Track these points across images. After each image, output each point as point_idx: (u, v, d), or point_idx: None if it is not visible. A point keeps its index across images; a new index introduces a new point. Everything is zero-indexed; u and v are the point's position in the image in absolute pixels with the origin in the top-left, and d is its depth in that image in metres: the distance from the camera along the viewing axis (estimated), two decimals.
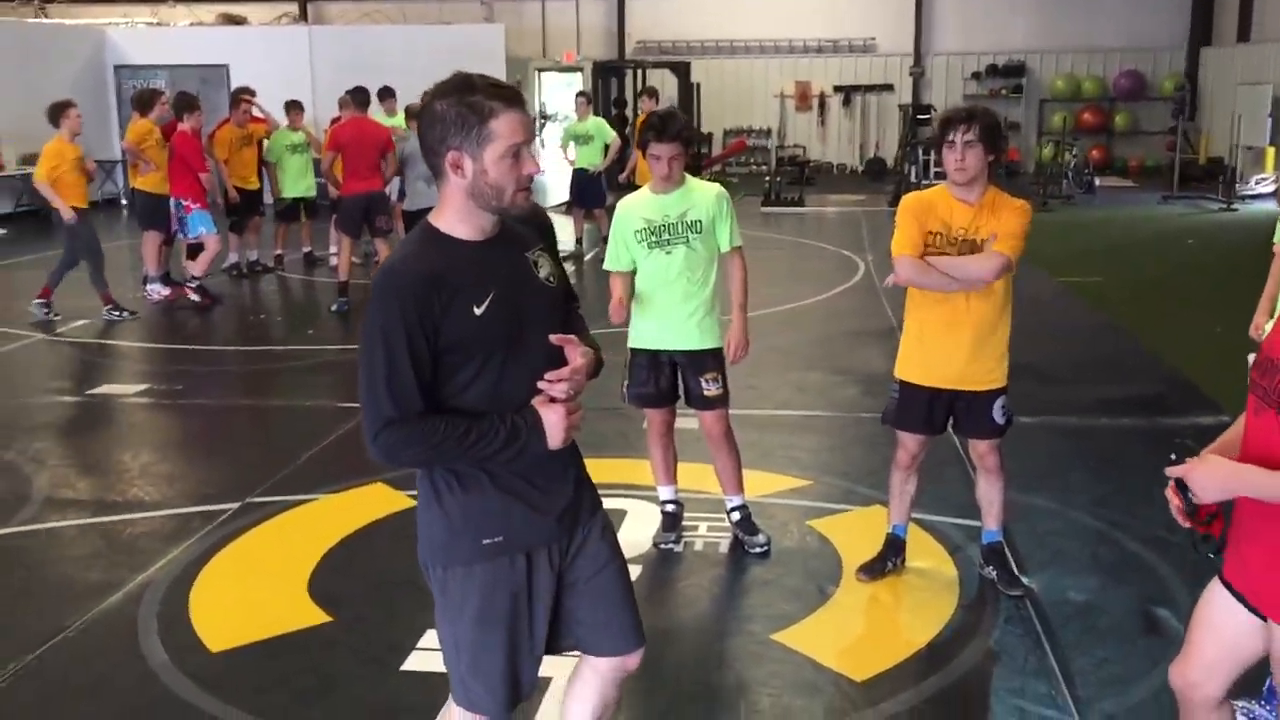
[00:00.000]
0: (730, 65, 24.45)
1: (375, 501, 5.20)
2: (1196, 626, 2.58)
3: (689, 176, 4.54)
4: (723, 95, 23.77)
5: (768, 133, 24.91)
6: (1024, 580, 4.35)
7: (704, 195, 4.51)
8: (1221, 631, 2.50)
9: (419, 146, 2.36)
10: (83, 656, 3.93)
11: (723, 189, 4.60)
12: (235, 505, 5.24)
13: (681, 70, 18.55)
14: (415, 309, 2.23)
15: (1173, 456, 2.37)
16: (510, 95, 2.29)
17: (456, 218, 2.34)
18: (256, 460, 6.05)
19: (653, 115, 4.57)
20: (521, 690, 2.50)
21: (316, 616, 4.17)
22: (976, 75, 23.91)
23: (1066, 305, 9.97)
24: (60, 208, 9.09)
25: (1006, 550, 4.45)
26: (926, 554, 4.66)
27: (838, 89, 24.30)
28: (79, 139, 9.20)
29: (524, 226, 2.50)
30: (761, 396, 6.97)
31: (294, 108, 11.98)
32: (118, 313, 9.54)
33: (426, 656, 3.78)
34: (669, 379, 4.63)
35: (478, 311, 2.29)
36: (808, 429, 6.44)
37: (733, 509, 4.78)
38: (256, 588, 4.48)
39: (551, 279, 2.47)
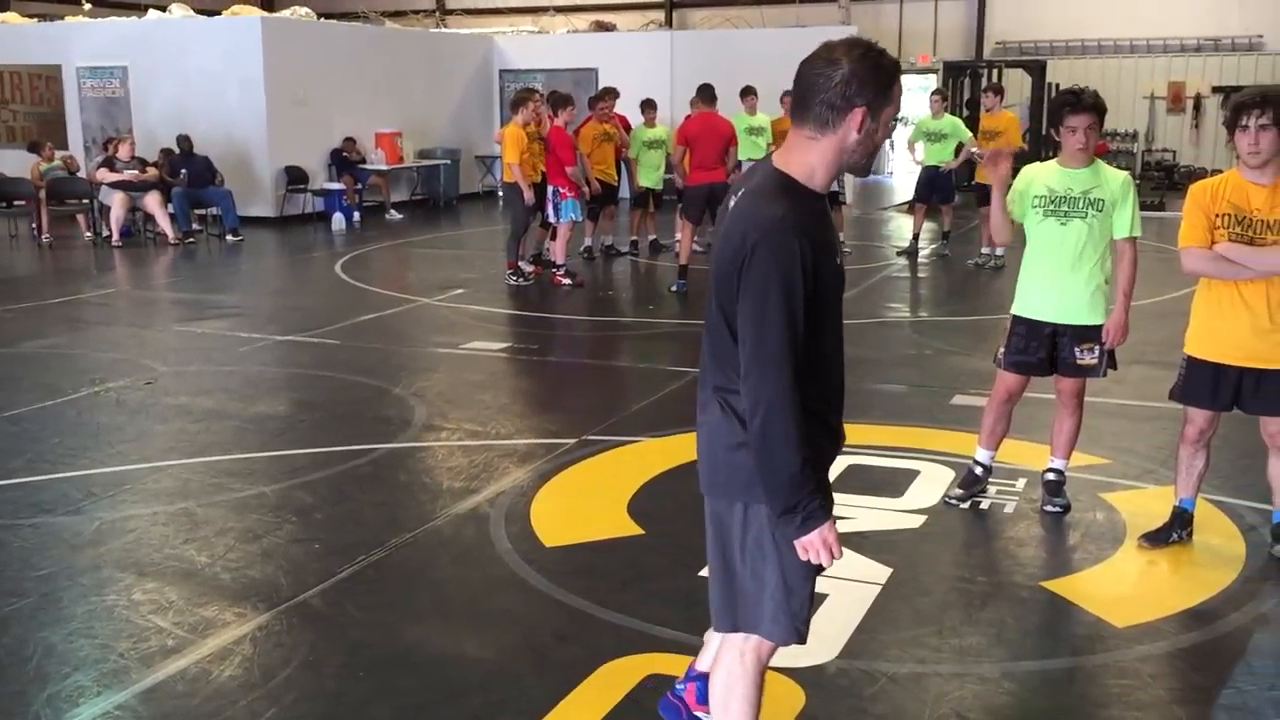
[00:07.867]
0: (1095, 65, 23.44)
1: (694, 446, 5.80)
2: None
3: (1098, 159, 4.68)
4: None
5: (1133, 136, 23.75)
6: None
7: (1112, 177, 4.65)
8: None
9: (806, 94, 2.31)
10: (446, 539, 4.81)
11: (1130, 176, 4.71)
12: (573, 441, 6.04)
13: (1036, 70, 18.15)
14: (811, 254, 2.30)
15: None
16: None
17: (818, 171, 2.40)
18: (594, 407, 6.91)
19: (1064, 91, 4.75)
20: None
21: (631, 529, 4.84)
22: None
23: None
24: (522, 184, 10.52)
25: None
26: (1217, 531, 4.71)
27: (1216, 89, 22.74)
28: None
29: None
30: None
31: (648, 106, 12.92)
32: (516, 278, 10.87)
33: None
34: (1048, 349, 4.79)
35: (837, 261, 2.43)
36: (1119, 416, 6.46)
37: (1052, 469, 4.97)
38: (584, 503, 5.22)
39: None
